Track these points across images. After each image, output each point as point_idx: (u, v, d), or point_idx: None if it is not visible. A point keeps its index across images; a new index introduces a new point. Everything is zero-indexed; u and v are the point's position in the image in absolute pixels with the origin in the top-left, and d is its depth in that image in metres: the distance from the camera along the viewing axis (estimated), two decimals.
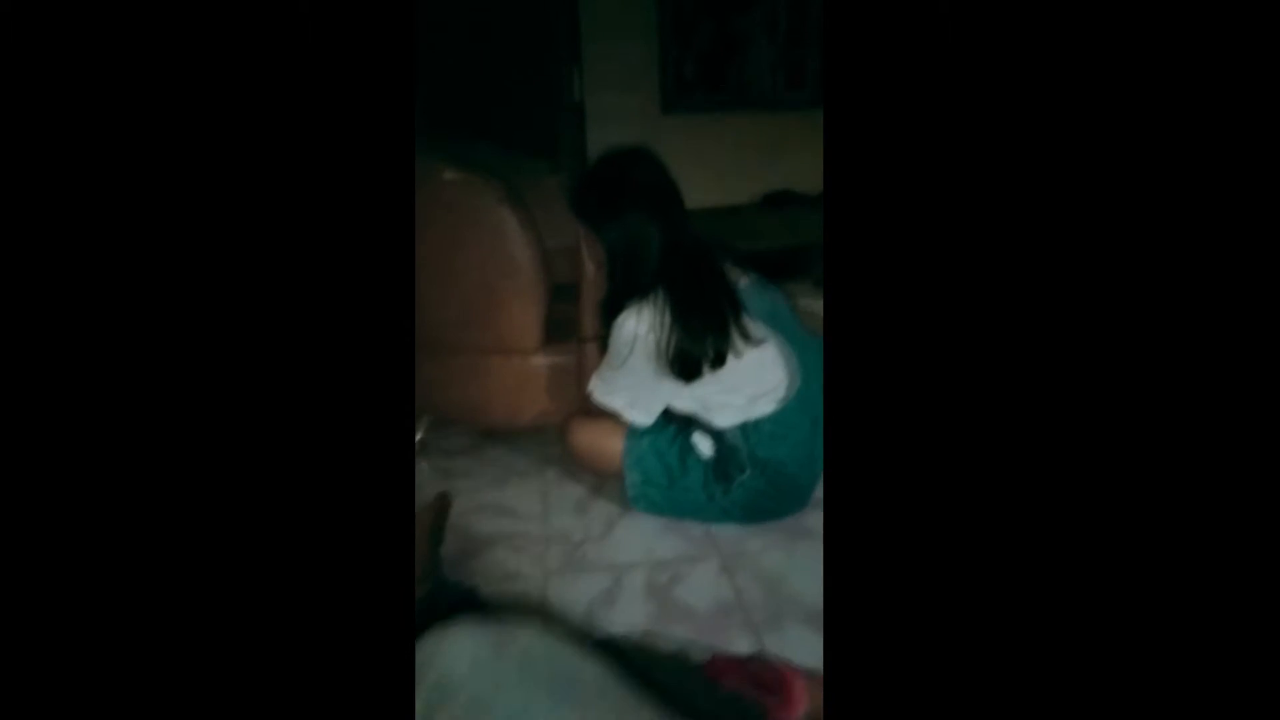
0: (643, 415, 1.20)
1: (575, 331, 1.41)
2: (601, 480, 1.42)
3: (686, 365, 1.10)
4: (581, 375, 1.42)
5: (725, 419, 1.19)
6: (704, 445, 1.22)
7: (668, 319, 1.09)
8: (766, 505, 1.22)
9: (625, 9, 2.79)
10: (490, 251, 1.33)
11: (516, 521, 1.32)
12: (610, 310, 1.16)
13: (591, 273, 1.21)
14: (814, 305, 2.36)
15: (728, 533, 1.24)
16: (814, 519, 1.26)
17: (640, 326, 1.10)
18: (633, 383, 1.16)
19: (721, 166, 3.23)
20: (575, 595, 1.10)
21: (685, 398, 1.19)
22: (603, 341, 1.20)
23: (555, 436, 1.59)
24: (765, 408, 1.17)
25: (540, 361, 1.44)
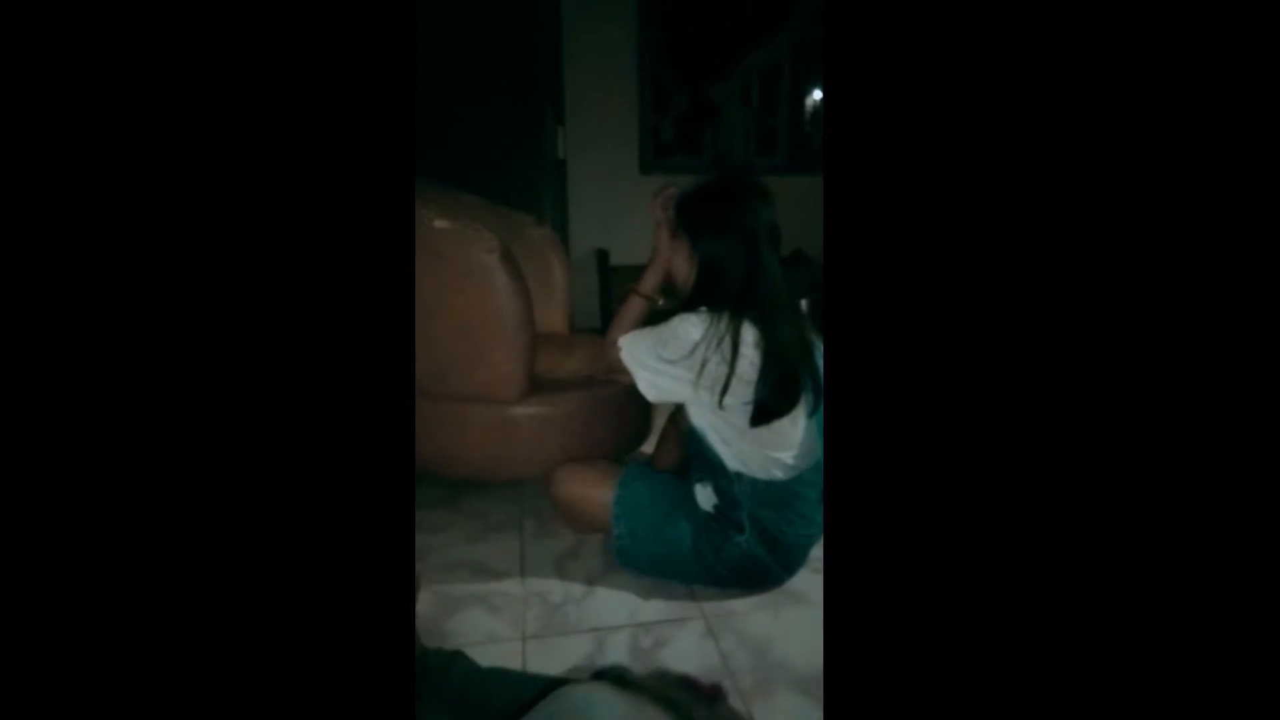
0: (653, 391, 1.13)
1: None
2: (581, 536, 1.38)
3: (762, 415, 1.07)
4: (566, 425, 1.40)
5: (739, 464, 1.14)
6: (704, 497, 1.17)
7: (732, 348, 1.06)
8: (756, 571, 1.18)
9: (607, 74, 2.89)
10: (477, 301, 1.32)
11: (493, 580, 1.27)
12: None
13: (681, 279, 1.17)
14: None
15: (712, 594, 1.20)
16: (800, 581, 1.24)
17: (701, 338, 1.06)
18: (665, 383, 1.10)
19: None
20: (556, 659, 1.05)
21: (711, 418, 1.13)
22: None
23: (532, 489, 1.55)
24: (778, 472, 1.14)
25: (521, 412, 1.41)
